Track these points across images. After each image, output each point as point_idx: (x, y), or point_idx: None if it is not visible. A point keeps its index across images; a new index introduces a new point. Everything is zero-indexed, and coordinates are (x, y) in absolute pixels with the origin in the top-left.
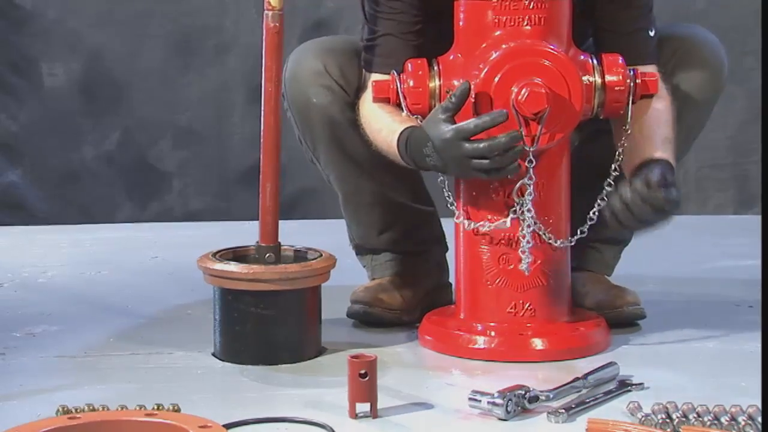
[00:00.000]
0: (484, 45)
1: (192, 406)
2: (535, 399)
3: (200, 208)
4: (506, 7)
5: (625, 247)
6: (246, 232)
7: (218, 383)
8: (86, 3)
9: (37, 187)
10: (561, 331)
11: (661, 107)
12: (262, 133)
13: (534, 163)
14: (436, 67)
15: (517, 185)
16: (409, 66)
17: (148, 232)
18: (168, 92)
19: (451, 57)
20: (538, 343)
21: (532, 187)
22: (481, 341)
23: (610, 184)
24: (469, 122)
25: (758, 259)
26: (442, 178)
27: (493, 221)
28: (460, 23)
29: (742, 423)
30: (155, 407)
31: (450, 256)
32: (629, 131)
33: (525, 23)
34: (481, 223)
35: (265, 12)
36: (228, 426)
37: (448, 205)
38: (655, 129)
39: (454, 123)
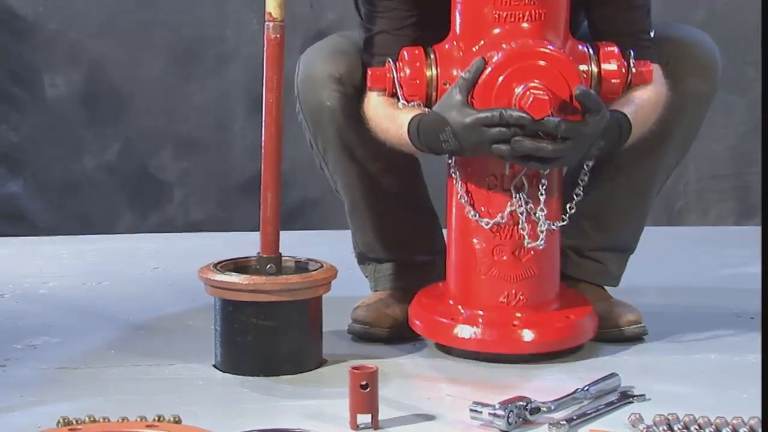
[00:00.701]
0: (482, 42)
1: (193, 418)
2: (536, 410)
3: (201, 218)
4: (506, 3)
5: (630, 255)
6: (247, 243)
7: (219, 394)
8: (88, 14)
9: (38, 198)
10: (551, 321)
11: (650, 92)
12: (263, 143)
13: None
14: (432, 56)
15: (516, 179)
16: (405, 55)
17: (149, 242)
18: (169, 102)
19: (447, 46)
20: (528, 335)
21: (526, 179)
22: (471, 332)
23: (590, 158)
24: (494, 113)
25: (759, 268)
26: (451, 162)
27: (493, 216)
28: (457, 14)
29: None
30: (156, 418)
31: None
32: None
33: (524, 20)
34: (481, 218)
35: (266, 23)
36: None
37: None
38: (632, 99)
39: (472, 105)
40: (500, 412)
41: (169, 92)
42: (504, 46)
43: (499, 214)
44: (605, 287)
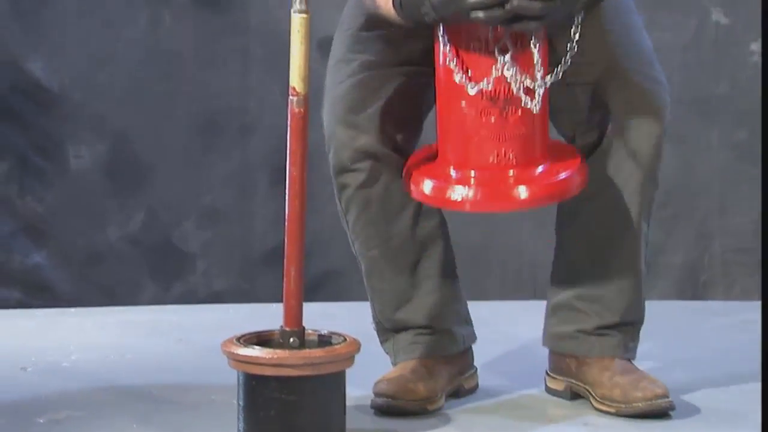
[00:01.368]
0: None
1: None
2: None
3: (224, 289)
4: None
5: (640, 326)
6: (270, 314)
7: None
8: (112, 85)
9: (61, 269)
10: (542, 178)
11: None
12: (287, 217)
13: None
14: None
15: (500, 42)
16: None
17: (171, 314)
18: (192, 173)
19: None
20: (520, 191)
21: (510, 42)
22: (464, 192)
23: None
24: None
25: None
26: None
27: (480, 79)
28: None
29: None
30: None
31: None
32: None
33: None
34: (469, 81)
35: (290, 97)
36: None
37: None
38: None
39: None
40: None
41: (192, 162)
42: None
43: (486, 78)
44: (631, 360)
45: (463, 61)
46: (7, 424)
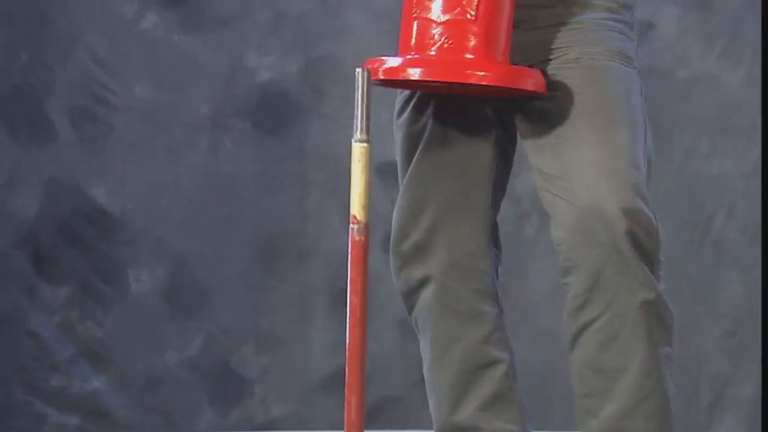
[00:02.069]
0: None
1: None
2: None
3: (282, 415)
4: None
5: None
6: None
7: None
8: (173, 210)
9: (120, 394)
10: (500, 67)
11: None
12: (347, 346)
13: None
14: None
15: None
16: None
17: None
18: (251, 297)
19: None
20: (480, 71)
21: None
22: (419, 70)
23: None
24: None
25: None
26: None
27: None
28: None
29: None
30: None
31: None
32: None
33: None
34: None
35: (351, 225)
36: None
37: None
38: None
39: None
40: None
41: (250, 287)
42: None
43: None
44: None
45: None
46: None
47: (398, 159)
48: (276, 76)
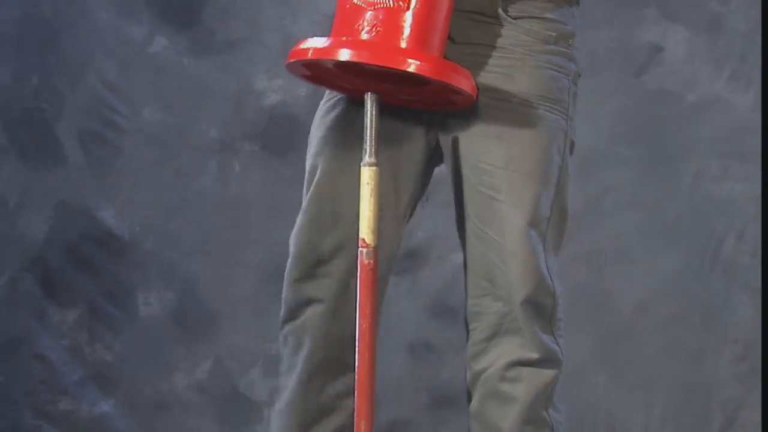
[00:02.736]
0: None
1: None
2: None
3: None
4: None
5: None
6: None
7: None
8: (181, 233)
9: (128, 418)
10: (434, 59)
11: None
12: (357, 369)
13: None
14: None
15: None
16: None
17: None
18: (259, 320)
19: None
20: (413, 60)
21: None
22: (350, 52)
23: None
24: None
25: None
26: None
27: None
28: None
29: None
30: None
31: None
32: None
33: None
34: None
35: (360, 249)
36: None
37: None
38: None
39: None
40: None
41: (259, 310)
42: None
43: None
44: None
45: None
46: None
47: (309, 153)
48: (285, 99)
